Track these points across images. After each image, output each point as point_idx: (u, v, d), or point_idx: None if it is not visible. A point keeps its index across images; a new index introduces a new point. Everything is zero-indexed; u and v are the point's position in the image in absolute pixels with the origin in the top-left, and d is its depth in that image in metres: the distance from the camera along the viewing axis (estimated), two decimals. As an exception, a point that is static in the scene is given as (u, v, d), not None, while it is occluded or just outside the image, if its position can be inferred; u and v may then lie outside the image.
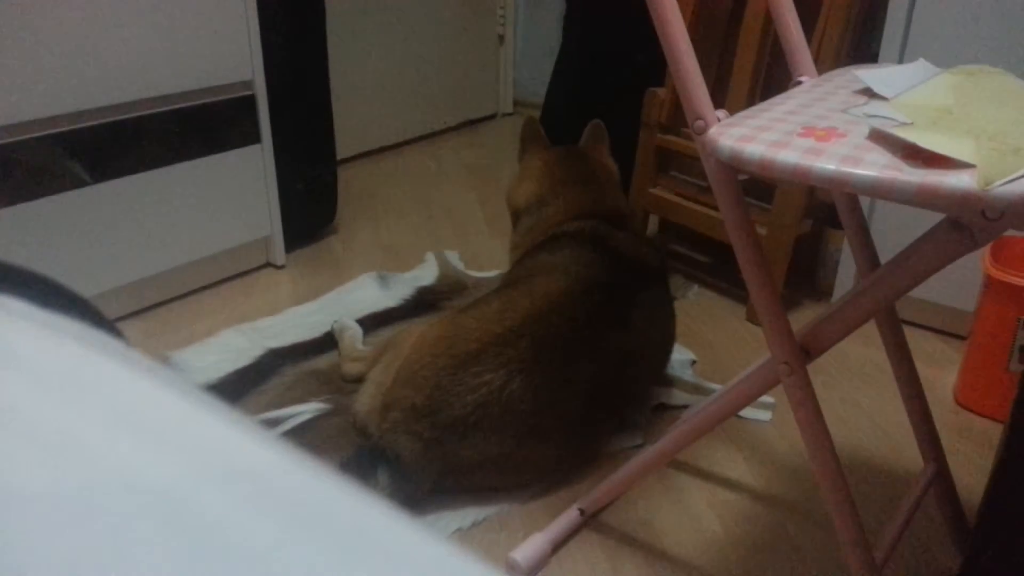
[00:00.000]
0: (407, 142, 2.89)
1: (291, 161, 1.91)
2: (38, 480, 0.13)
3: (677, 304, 1.53)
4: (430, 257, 1.98)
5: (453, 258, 1.98)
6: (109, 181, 1.55)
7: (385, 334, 1.60)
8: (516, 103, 3.27)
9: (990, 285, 1.36)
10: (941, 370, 1.55)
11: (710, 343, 1.65)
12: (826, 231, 1.81)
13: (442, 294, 1.81)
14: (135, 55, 1.52)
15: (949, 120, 0.72)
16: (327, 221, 2.12)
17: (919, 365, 1.07)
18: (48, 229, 1.48)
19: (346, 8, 2.49)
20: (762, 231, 1.66)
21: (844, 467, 0.87)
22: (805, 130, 0.73)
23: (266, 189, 1.83)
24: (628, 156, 1.89)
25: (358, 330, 1.60)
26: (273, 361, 1.54)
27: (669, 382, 1.50)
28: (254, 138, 1.77)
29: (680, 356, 1.56)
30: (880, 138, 0.70)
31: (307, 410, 1.39)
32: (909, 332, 1.08)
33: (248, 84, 1.73)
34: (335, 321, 1.63)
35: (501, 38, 3.14)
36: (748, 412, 1.42)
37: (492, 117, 3.22)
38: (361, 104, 2.64)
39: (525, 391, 1.16)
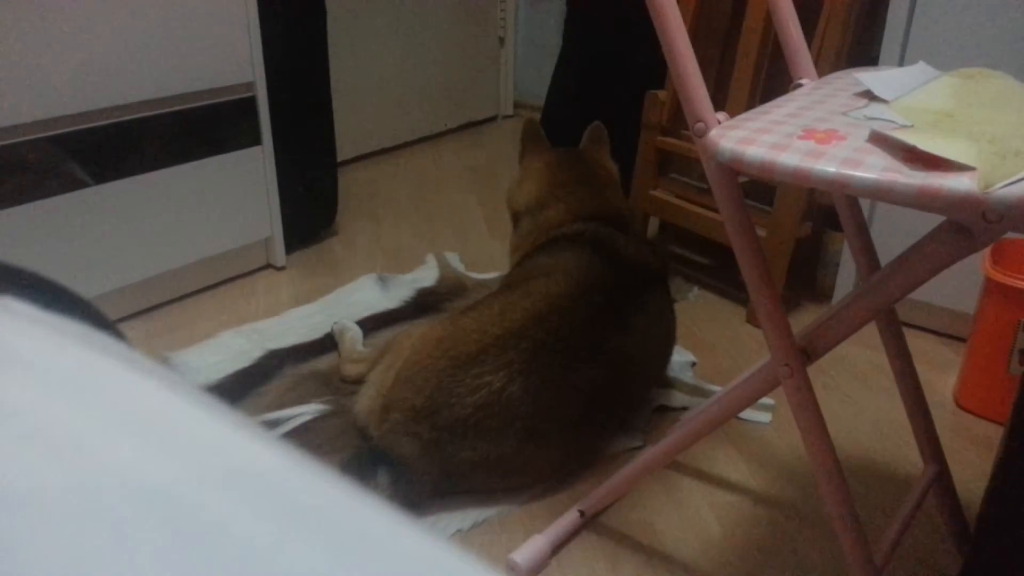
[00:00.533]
0: (407, 144, 2.89)
1: (291, 163, 1.91)
2: (40, 480, 0.13)
3: (677, 306, 1.53)
4: (430, 259, 1.98)
5: (453, 260, 1.98)
6: (110, 183, 1.55)
7: (385, 336, 1.60)
8: (516, 105, 3.27)
9: (990, 287, 1.36)
10: (941, 372, 1.56)
11: (710, 345, 1.65)
12: (826, 233, 1.81)
13: (442, 296, 1.81)
14: (136, 57, 1.52)
15: (949, 123, 0.72)
16: (327, 223, 2.12)
17: (919, 367, 1.07)
18: (49, 230, 1.48)
19: (347, 10, 2.50)
20: (762, 233, 1.66)
21: (844, 469, 0.87)
22: (805, 132, 0.73)
23: (266, 191, 1.84)
24: (628, 158, 1.89)
25: (358, 332, 1.60)
26: (273, 362, 1.54)
27: (669, 384, 1.50)
28: (255, 140, 1.78)
29: (680, 358, 1.56)
30: (880, 141, 0.70)
31: (307, 411, 1.39)
32: (909, 334, 1.08)
33: (249, 86, 1.73)
34: (335, 322, 1.63)
35: (501, 40, 3.14)
36: (748, 414, 1.42)
37: (492, 119, 3.23)
38: (362, 106, 2.64)
39: (525, 393, 1.16)
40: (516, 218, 1.60)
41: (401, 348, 1.27)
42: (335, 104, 2.06)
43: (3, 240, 1.42)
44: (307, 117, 1.98)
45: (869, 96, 0.83)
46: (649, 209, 1.94)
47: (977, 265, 1.41)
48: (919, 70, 0.88)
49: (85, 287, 1.54)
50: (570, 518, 1.15)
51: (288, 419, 1.37)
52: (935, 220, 0.74)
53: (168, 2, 1.55)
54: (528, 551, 1.10)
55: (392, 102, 2.77)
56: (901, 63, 1.51)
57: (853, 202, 1.00)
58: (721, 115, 0.79)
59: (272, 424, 1.36)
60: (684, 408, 1.43)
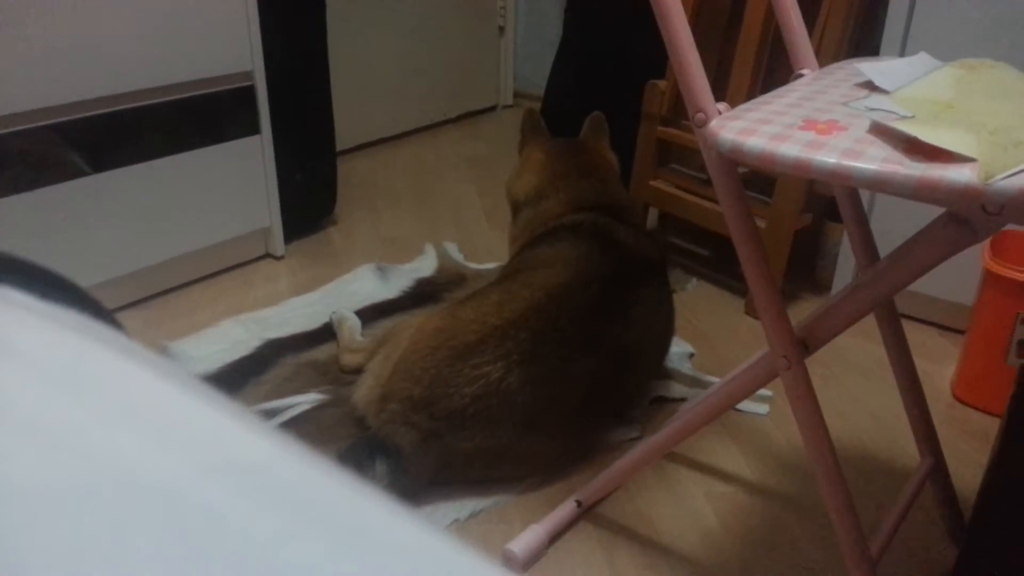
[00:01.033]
0: (407, 133, 2.88)
1: (290, 152, 1.90)
2: (38, 473, 0.13)
3: (676, 297, 1.53)
4: (429, 249, 1.98)
5: (452, 250, 1.98)
6: (108, 171, 1.54)
7: (384, 325, 1.60)
8: (516, 95, 3.26)
9: (989, 279, 1.36)
10: (939, 364, 1.56)
11: (708, 336, 1.65)
12: (826, 224, 1.81)
13: (441, 286, 1.81)
14: (135, 45, 1.52)
15: (950, 114, 0.72)
16: (326, 212, 2.12)
17: (917, 359, 1.08)
18: (47, 219, 1.47)
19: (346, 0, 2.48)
20: (761, 224, 1.66)
21: (841, 460, 0.88)
22: (806, 123, 0.73)
23: (265, 180, 1.83)
24: (628, 148, 1.89)
25: (357, 321, 1.60)
26: (272, 352, 1.54)
27: (667, 375, 1.50)
28: (254, 129, 1.77)
29: (678, 349, 1.57)
30: (881, 132, 0.70)
31: (305, 401, 1.39)
32: (907, 326, 1.08)
33: (248, 75, 1.73)
34: (333, 312, 1.63)
35: (502, 29, 3.13)
36: (746, 405, 1.42)
37: (492, 109, 3.22)
38: (361, 95, 2.63)
39: (523, 383, 1.16)
40: (515, 208, 1.60)
41: (400, 338, 1.27)
42: (334, 93, 2.05)
43: (1, 229, 1.42)
44: (306, 106, 1.97)
45: (870, 87, 0.82)
46: (649, 199, 1.93)
47: (976, 257, 1.41)
48: (920, 61, 0.88)
49: (83, 276, 1.54)
50: (567, 508, 1.15)
51: (286, 408, 1.37)
52: (935, 212, 0.73)
53: (166, -11, 1.54)
54: (525, 541, 1.10)
55: (392, 91, 2.77)
56: (902, 53, 1.51)
57: (853, 193, 1.00)
58: (722, 105, 0.78)
59: (270, 413, 1.36)
60: (682, 399, 1.43)
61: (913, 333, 1.62)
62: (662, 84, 1.84)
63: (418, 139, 2.86)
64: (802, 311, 1.72)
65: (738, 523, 1.18)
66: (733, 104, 0.80)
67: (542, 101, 2.42)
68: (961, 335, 1.57)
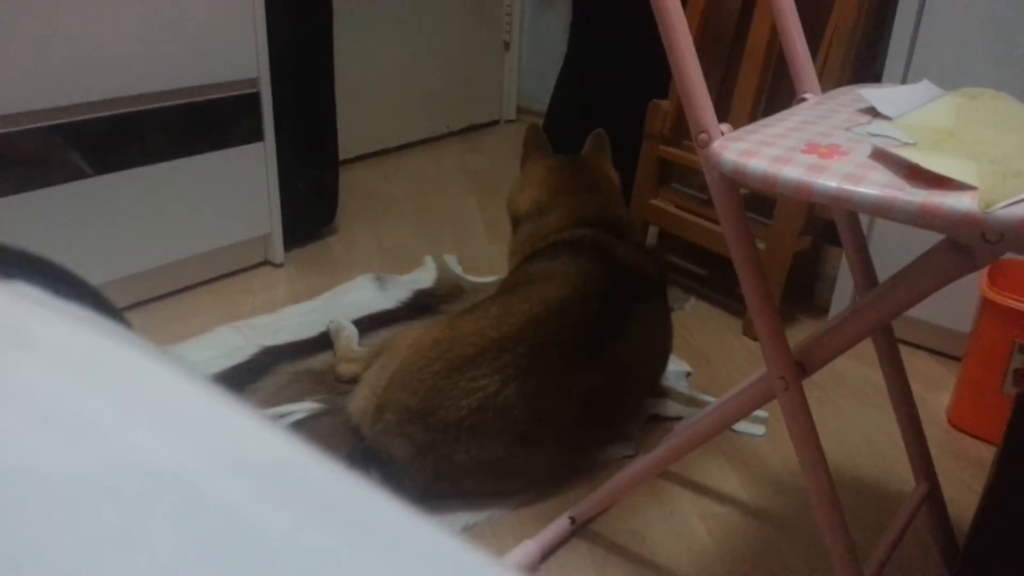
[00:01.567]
0: (409, 145, 2.89)
1: (293, 160, 1.91)
2: (55, 463, 0.13)
3: (674, 315, 1.53)
4: (428, 261, 1.98)
5: (452, 262, 1.98)
6: (110, 174, 1.55)
7: (381, 336, 1.60)
8: (519, 110, 3.27)
9: (987, 307, 1.37)
10: (935, 390, 1.56)
11: (706, 355, 1.65)
12: (824, 248, 1.81)
13: (439, 298, 1.81)
14: (140, 49, 1.52)
15: (951, 142, 0.72)
16: (327, 221, 2.12)
17: (914, 385, 1.08)
18: (48, 220, 1.47)
19: (354, 10, 2.50)
20: (761, 246, 1.66)
21: (836, 483, 0.87)
22: (808, 147, 0.74)
23: (267, 187, 1.83)
24: (630, 166, 1.90)
25: (354, 331, 1.60)
26: (268, 359, 1.53)
27: (664, 393, 1.50)
28: (257, 136, 1.77)
29: (675, 367, 1.57)
30: (882, 157, 0.70)
31: (301, 409, 1.39)
32: (904, 351, 1.08)
33: (253, 82, 1.73)
34: (331, 321, 1.63)
35: (507, 44, 3.14)
36: (741, 426, 1.42)
37: (495, 123, 3.23)
38: (365, 106, 2.64)
39: (520, 397, 1.16)
40: (516, 222, 1.60)
41: (397, 349, 1.27)
42: (338, 103, 2.06)
43: (1, 228, 1.42)
44: (310, 115, 1.98)
45: (872, 112, 0.83)
46: (649, 218, 1.94)
47: (974, 284, 1.42)
48: (923, 88, 0.88)
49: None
50: (561, 524, 1.15)
51: (282, 417, 1.37)
52: (934, 238, 0.74)
53: (175, -5, 1.55)
54: (518, 556, 1.10)
55: (395, 103, 2.78)
56: (904, 80, 1.52)
57: (853, 218, 1.01)
58: (724, 127, 0.79)
59: (265, 421, 1.35)
60: (678, 418, 1.43)
61: (910, 358, 1.62)
62: (665, 104, 1.85)
63: (420, 151, 2.87)
64: (799, 334, 1.73)
65: (731, 544, 1.17)
66: (736, 126, 0.80)
67: (545, 117, 2.43)
68: (958, 362, 1.57)
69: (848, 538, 0.87)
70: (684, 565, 1.13)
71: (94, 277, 1.56)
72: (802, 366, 0.85)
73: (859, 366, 1.61)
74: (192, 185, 1.69)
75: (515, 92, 3.24)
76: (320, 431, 1.33)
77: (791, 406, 0.85)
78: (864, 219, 1.57)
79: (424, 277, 1.90)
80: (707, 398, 1.49)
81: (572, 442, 1.26)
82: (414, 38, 2.77)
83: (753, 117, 1.65)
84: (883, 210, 0.65)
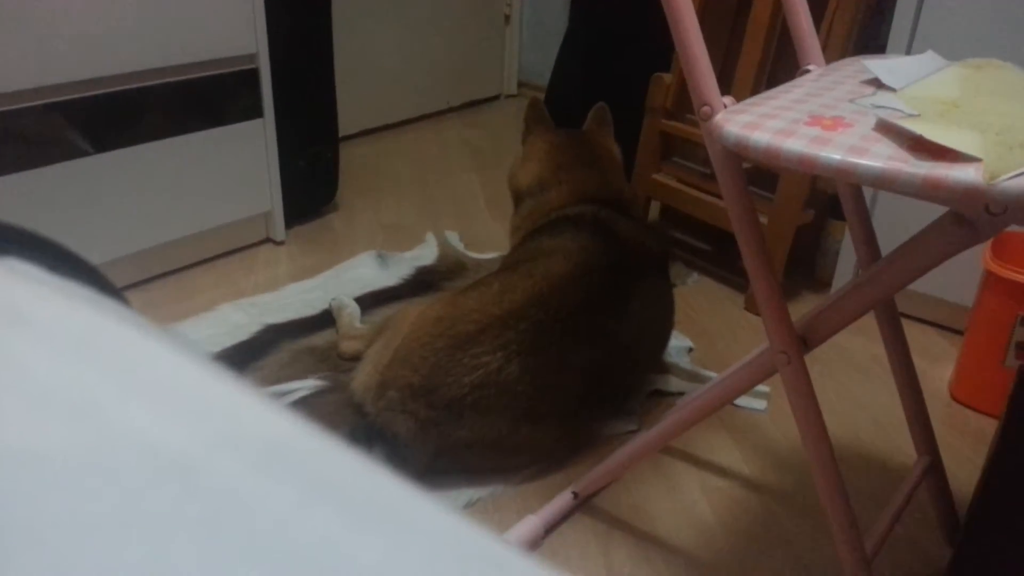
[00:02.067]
0: (410, 121, 2.87)
1: (293, 137, 1.90)
2: (50, 441, 0.13)
3: (676, 291, 1.53)
4: (430, 237, 1.98)
5: (453, 239, 1.98)
6: (110, 152, 1.54)
7: (383, 313, 1.60)
8: (520, 84, 3.25)
9: (990, 280, 1.36)
10: (937, 364, 1.56)
11: (708, 331, 1.65)
12: (827, 221, 1.81)
13: (441, 275, 1.81)
14: (139, 25, 1.51)
15: (956, 113, 0.72)
16: (328, 198, 2.12)
17: (916, 358, 1.08)
18: (47, 198, 1.47)
19: (352, -16, 2.47)
20: (763, 220, 1.66)
21: (837, 457, 0.88)
22: (812, 119, 0.73)
23: (267, 164, 1.83)
24: (631, 141, 1.88)
25: (356, 308, 1.60)
26: (271, 337, 1.54)
27: (666, 369, 1.50)
28: (256, 113, 1.76)
29: (677, 343, 1.57)
30: (886, 129, 0.69)
31: (303, 387, 1.39)
32: (906, 325, 1.08)
33: (252, 58, 1.72)
34: (333, 299, 1.63)
35: (507, 18, 3.11)
36: (743, 401, 1.42)
37: (496, 98, 3.21)
38: (364, 82, 2.62)
39: (522, 373, 1.16)
40: (517, 198, 1.60)
41: (400, 326, 1.27)
42: (338, 79, 2.04)
43: (1, 206, 1.42)
44: (309, 91, 1.96)
45: (876, 84, 0.82)
46: (651, 193, 1.93)
47: (977, 257, 1.41)
48: (927, 59, 0.87)
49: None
50: (563, 499, 1.16)
51: (285, 394, 1.37)
52: (937, 211, 0.73)
53: (171, -29, 1.53)
54: (521, 531, 1.10)
55: (395, 78, 2.76)
56: (909, 51, 1.50)
57: (856, 190, 1.00)
58: (727, 99, 0.78)
59: (268, 398, 1.36)
60: (680, 393, 1.44)
61: (911, 332, 1.62)
62: (667, 77, 1.84)
63: (421, 127, 2.85)
64: (802, 308, 1.72)
65: (733, 518, 1.18)
66: (739, 98, 0.80)
67: (546, 91, 2.41)
68: (960, 335, 1.57)
69: (850, 511, 0.88)
70: (686, 539, 1.14)
71: (94, 256, 1.56)
72: (804, 340, 0.85)
73: (861, 340, 1.61)
74: (192, 163, 1.68)
75: (516, 66, 3.22)
76: (323, 409, 1.34)
77: (793, 380, 0.85)
78: (867, 192, 1.56)
79: (426, 254, 1.90)
80: (709, 373, 1.50)
81: (574, 418, 1.27)
82: (414, 12, 2.74)
83: (756, 89, 1.63)
84: (887, 182, 0.65)
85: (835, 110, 0.75)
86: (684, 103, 1.81)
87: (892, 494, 1.09)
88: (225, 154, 1.73)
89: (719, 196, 1.67)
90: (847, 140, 0.68)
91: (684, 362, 1.53)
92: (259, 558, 0.12)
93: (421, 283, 1.77)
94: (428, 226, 2.05)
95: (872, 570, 0.90)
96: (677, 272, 1.86)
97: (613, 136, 1.63)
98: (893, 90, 0.79)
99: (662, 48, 1.71)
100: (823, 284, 1.82)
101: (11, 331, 0.15)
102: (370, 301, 1.67)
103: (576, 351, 1.22)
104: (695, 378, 1.48)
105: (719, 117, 0.76)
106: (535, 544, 1.11)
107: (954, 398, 1.47)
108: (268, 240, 1.94)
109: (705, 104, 0.77)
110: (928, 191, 0.63)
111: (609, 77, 2.17)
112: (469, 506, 1.18)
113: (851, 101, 0.78)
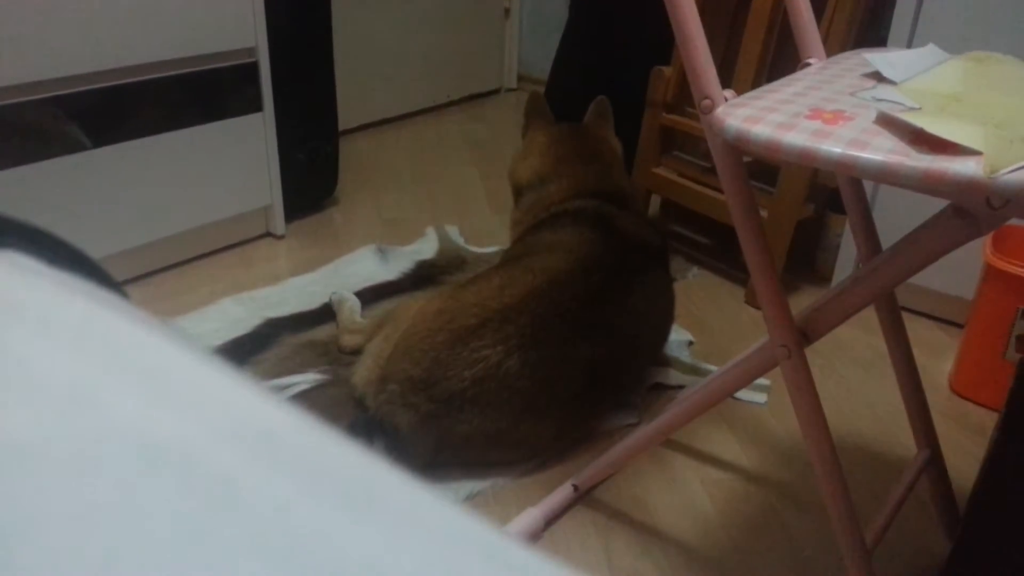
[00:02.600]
0: (410, 114, 2.87)
1: (293, 131, 1.89)
2: (48, 433, 0.13)
3: (676, 285, 1.53)
4: (430, 231, 1.98)
5: (453, 233, 1.98)
6: (109, 146, 1.54)
7: (383, 307, 1.60)
8: (521, 78, 3.24)
9: (990, 274, 1.36)
10: (937, 357, 1.56)
11: (708, 324, 1.65)
12: (828, 215, 1.81)
13: (441, 269, 1.81)
14: (137, 19, 1.51)
15: (957, 107, 0.71)
16: (328, 192, 2.11)
17: (916, 352, 1.08)
18: (46, 193, 1.47)
19: (351, -23, 2.46)
20: (764, 214, 1.66)
21: (838, 450, 0.88)
22: (812, 112, 0.73)
23: (267, 158, 1.82)
24: (632, 134, 1.88)
25: (356, 302, 1.60)
26: (271, 331, 1.54)
27: (666, 362, 1.50)
28: (256, 106, 1.76)
29: (678, 337, 1.57)
30: (887, 122, 0.69)
31: (304, 380, 1.39)
32: (907, 319, 1.08)
33: (251, 51, 1.72)
34: (333, 293, 1.63)
35: (507, 11, 3.10)
36: (744, 394, 1.42)
37: (496, 92, 3.20)
38: (364, 75, 2.62)
39: (523, 367, 1.16)
40: (518, 192, 1.59)
41: (400, 320, 1.27)
42: (337, 73, 2.04)
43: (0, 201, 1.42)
44: (309, 85, 1.96)
45: (877, 77, 0.82)
46: (651, 187, 1.93)
47: (977, 251, 1.41)
48: (928, 52, 0.87)
49: (83, 251, 1.53)
50: (564, 492, 1.16)
51: (285, 388, 1.37)
52: (938, 204, 0.73)
53: (170, -36, 1.53)
54: (521, 524, 1.11)
55: (395, 72, 2.75)
56: (910, 45, 1.50)
57: (857, 184, 1.00)
58: (728, 93, 0.78)
59: (269, 392, 1.36)
60: (680, 387, 1.44)
61: (911, 325, 1.62)
62: (667, 70, 1.83)
63: (421, 120, 2.85)
64: (802, 302, 1.72)
65: (733, 511, 1.18)
66: (739, 92, 0.80)
67: (546, 85, 2.41)
68: (960, 329, 1.57)
69: (850, 504, 0.88)
70: (686, 532, 1.14)
71: (94, 251, 1.56)
72: (805, 334, 0.85)
73: (861, 333, 1.61)
74: (192, 157, 1.68)
75: (516, 60, 3.21)
76: (323, 402, 1.34)
77: (793, 374, 0.85)
78: (868, 186, 1.56)
79: (426, 248, 1.90)
80: (709, 367, 1.50)
81: (575, 411, 1.27)
82: (414, 6, 2.73)
83: (757, 83, 1.63)
84: (888, 176, 0.65)
85: (836, 103, 0.75)
86: (685, 96, 1.81)
87: (892, 487, 1.09)
88: (225, 148, 1.73)
89: (720, 190, 1.67)
90: (848, 134, 0.68)
91: (684, 356, 1.53)
92: (257, 549, 0.12)
93: (421, 277, 1.77)
94: (428, 220, 2.05)
95: (872, 562, 0.91)
96: (678, 266, 1.86)
97: (613, 130, 1.63)
98: (894, 83, 0.79)
99: (662, 41, 1.71)
100: (823, 278, 1.82)
101: (10, 323, 0.15)
102: (370, 295, 1.67)
103: (577, 345, 1.22)
104: (695, 372, 1.48)
105: (720, 110, 0.75)
106: (535, 537, 1.12)
107: (954, 391, 1.47)
108: (268, 234, 1.93)
109: (706, 97, 0.77)
110: (929, 185, 0.63)
111: (609, 70, 2.17)
112: (469, 499, 1.18)
113: (852, 94, 0.78)
